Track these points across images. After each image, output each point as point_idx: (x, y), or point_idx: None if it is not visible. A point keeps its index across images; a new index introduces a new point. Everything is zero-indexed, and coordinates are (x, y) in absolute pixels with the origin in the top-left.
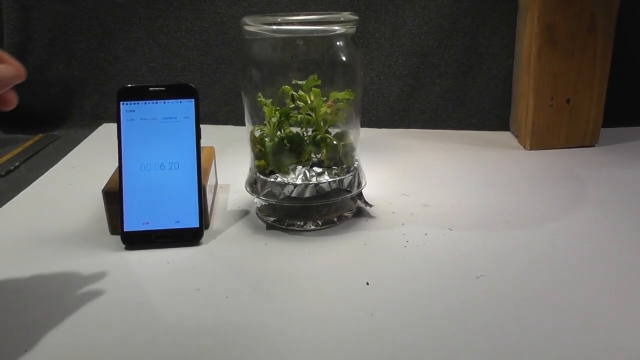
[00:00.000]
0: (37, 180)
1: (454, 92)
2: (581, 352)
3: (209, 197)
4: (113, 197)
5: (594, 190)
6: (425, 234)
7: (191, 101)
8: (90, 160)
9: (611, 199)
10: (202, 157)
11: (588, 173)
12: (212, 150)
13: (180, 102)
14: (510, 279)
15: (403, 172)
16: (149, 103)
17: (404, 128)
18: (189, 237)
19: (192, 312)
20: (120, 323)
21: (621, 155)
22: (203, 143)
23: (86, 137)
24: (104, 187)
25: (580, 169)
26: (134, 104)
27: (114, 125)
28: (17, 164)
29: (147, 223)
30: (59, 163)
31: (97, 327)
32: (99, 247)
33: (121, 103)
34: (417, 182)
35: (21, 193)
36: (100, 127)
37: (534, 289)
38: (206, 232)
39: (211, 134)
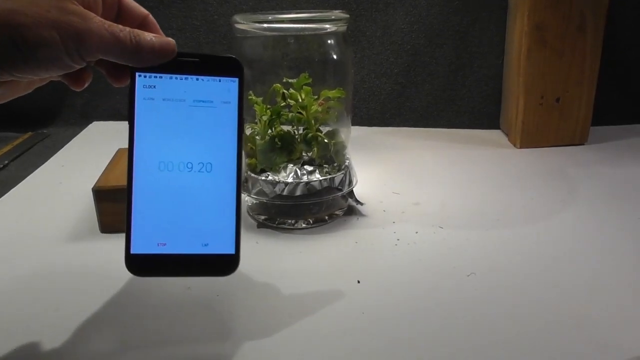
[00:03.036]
0: (27, 178)
1: (444, 90)
2: (571, 349)
3: None
4: (103, 195)
5: (583, 188)
6: (416, 232)
7: (234, 81)
8: (80, 159)
9: (600, 197)
10: None
11: (577, 171)
12: None
13: (220, 80)
14: (501, 277)
15: (394, 171)
16: (176, 78)
17: (394, 126)
18: (219, 267)
19: (183, 311)
20: (111, 322)
21: (610, 153)
22: None
23: (76, 135)
24: (94, 186)
25: (569, 167)
26: (155, 77)
27: (105, 124)
28: (6, 162)
29: (164, 245)
30: (48, 161)
31: (88, 326)
32: (89, 246)
33: (137, 74)
34: (408, 180)
35: (10, 191)
36: (90, 125)
37: (524, 287)
38: None
39: None
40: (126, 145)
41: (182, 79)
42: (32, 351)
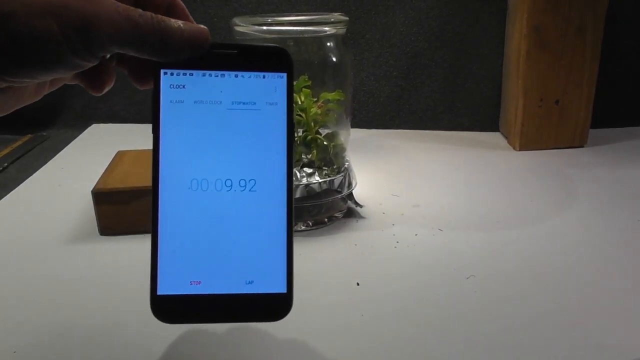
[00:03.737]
0: (26, 180)
1: (443, 93)
2: (570, 350)
3: None
4: (102, 197)
5: (582, 190)
6: (416, 235)
7: (282, 77)
8: (79, 161)
9: (600, 199)
10: None
11: (577, 173)
12: None
13: (264, 77)
14: (500, 279)
15: (393, 173)
16: (211, 75)
17: (394, 129)
18: (267, 310)
19: None
20: (109, 324)
21: (610, 155)
22: None
23: (75, 137)
24: (93, 188)
25: (569, 170)
26: (185, 75)
27: (104, 126)
28: (5, 164)
29: (198, 283)
30: (47, 164)
31: (86, 328)
32: (87, 248)
33: (162, 72)
34: (407, 182)
35: (10, 194)
36: (89, 127)
37: (524, 289)
38: None
39: None
40: (126, 147)
41: (217, 76)
42: (30, 353)
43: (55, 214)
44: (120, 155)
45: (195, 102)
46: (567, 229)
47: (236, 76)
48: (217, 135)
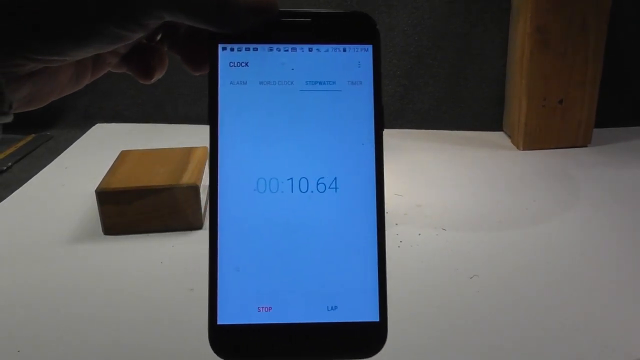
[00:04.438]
0: (30, 180)
1: (447, 92)
2: (575, 352)
3: (203, 198)
4: (106, 197)
5: (586, 190)
6: (419, 234)
7: (367, 50)
8: (83, 161)
9: (604, 199)
10: (196, 157)
11: (581, 173)
12: (205, 150)
13: (344, 50)
14: (503, 279)
15: (396, 172)
16: (280, 50)
17: (397, 128)
18: (355, 342)
19: (186, 313)
20: (115, 323)
21: (614, 155)
22: (195, 143)
23: (79, 137)
24: (97, 188)
25: (573, 170)
26: (248, 49)
27: (108, 126)
28: (9, 164)
29: (268, 310)
30: (51, 163)
31: (90, 328)
32: (91, 248)
33: (220, 46)
34: (411, 182)
35: (13, 193)
36: (93, 127)
37: (527, 289)
38: (200, 232)
39: (205, 134)
40: (129, 147)
41: (287, 51)
42: (34, 354)
43: (58, 214)
44: (123, 155)
45: (260, 83)
46: (571, 229)
47: (310, 50)
48: (288, 124)
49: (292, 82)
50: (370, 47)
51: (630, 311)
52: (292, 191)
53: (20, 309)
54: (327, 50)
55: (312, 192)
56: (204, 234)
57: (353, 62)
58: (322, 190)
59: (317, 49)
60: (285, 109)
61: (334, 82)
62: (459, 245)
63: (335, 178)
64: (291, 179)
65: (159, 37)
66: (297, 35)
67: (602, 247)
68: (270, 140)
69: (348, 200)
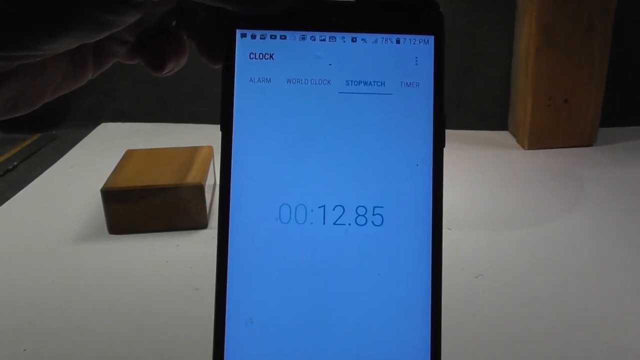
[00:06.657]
0: (35, 180)
1: (451, 91)
2: (580, 352)
3: (208, 197)
4: (111, 196)
5: (592, 189)
6: None
7: (427, 42)
8: (88, 160)
9: (609, 199)
10: (201, 157)
11: (586, 173)
12: (210, 150)
13: (398, 41)
14: (509, 279)
15: None
16: (314, 39)
17: None
18: None
19: (190, 312)
20: (120, 322)
21: (619, 154)
22: (198, 143)
23: (84, 136)
24: (103, 187)
25: (578, 169)
26: (274, 37)
27: (113, 125)
28: (15, 163)
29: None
30: (57, 163)
31: (96, 326)
32: (97, 247)
33: (238, 32)
34: None
35: (19, 193)
36: (98, 126)
37: (533, 289)
38: (205, 232)
39: (210, 133)
40: (134, 146)
41: (324, 40)
42: (40, 352)
43: (64, 213)
44: (129, 154)
45: (288, 81)
46: (576, 228)
47: (354, 41)
48: (321, 135)
49: (328, 82)
50: (431, 38)
51: (638, 310)
52: (323, 223)
53: (25, 307)
54: (375, 42)
55: (349, 224)
56: (208, 233)
57: (409, 58)
58: (362, 223)
59: (362, 40)
60: (318, 116)
61: (382, 83)
62: (464, 245)
63: (380, 207)
64: (323, 206)
65: (174, 23)
66: (338, 21)
67: (609, 247)
68: (298, 156)
69: (395, 237)
